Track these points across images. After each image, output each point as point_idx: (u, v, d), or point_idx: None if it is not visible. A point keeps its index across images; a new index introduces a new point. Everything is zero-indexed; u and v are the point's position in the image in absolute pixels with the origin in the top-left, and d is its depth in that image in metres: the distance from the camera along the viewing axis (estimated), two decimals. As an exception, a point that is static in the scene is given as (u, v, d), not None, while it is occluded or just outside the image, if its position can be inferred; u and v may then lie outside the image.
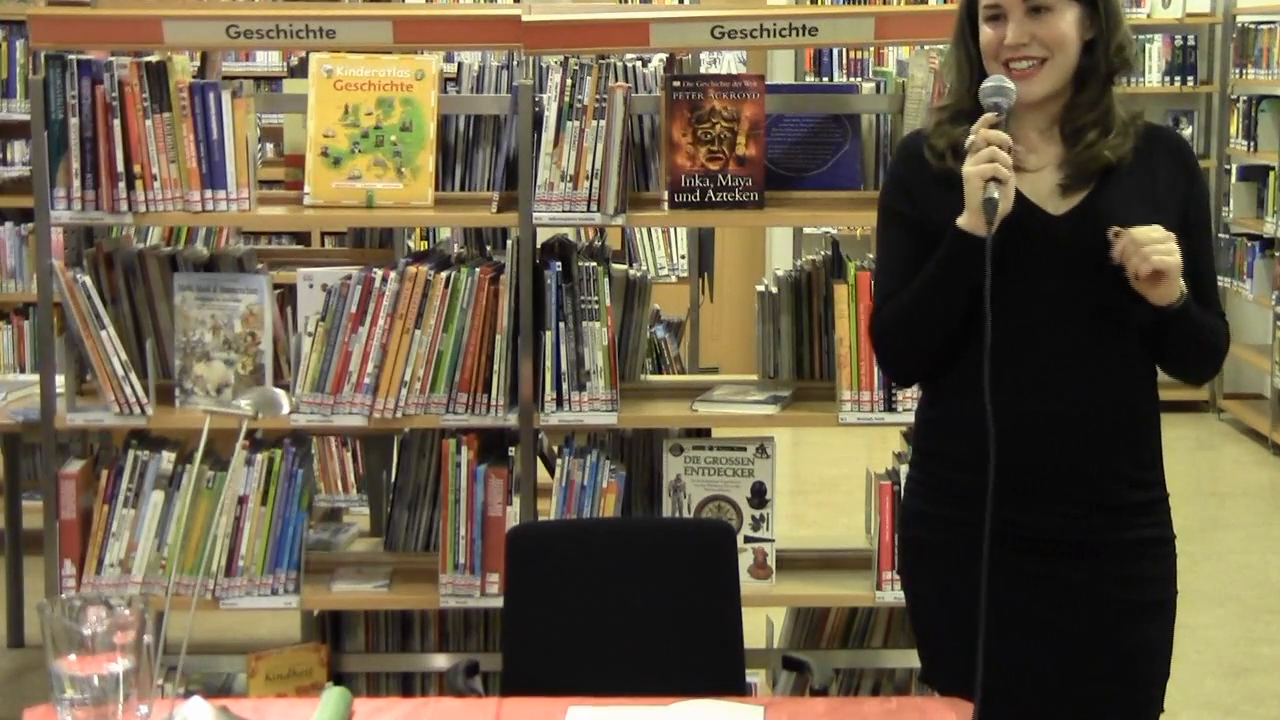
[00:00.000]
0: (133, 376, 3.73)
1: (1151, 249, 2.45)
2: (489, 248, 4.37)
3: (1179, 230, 2.53)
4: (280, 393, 2.99)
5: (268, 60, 8.41)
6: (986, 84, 2.53)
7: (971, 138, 2.50)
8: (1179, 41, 8.97)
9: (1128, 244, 2.47)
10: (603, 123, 3.66)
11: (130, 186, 3.65)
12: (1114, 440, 2.59)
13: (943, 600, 2.67)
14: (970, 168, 2.48)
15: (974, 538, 2.48)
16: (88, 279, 3.70)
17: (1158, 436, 2.66)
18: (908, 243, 2.65)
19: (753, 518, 3.80)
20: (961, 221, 2.51)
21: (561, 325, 3.70)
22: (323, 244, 7.33)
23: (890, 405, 3.72)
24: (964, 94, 2.63)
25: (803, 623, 4.06)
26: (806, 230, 8.79)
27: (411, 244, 5.07)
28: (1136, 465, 2.63)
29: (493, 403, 3.72)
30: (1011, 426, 2.49)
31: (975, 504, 2.48)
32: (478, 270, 3.71)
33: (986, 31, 2.58)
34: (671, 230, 5.83)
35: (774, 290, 3.95)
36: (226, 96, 3.69)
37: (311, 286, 3.78)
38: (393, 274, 3.70)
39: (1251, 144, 8.60)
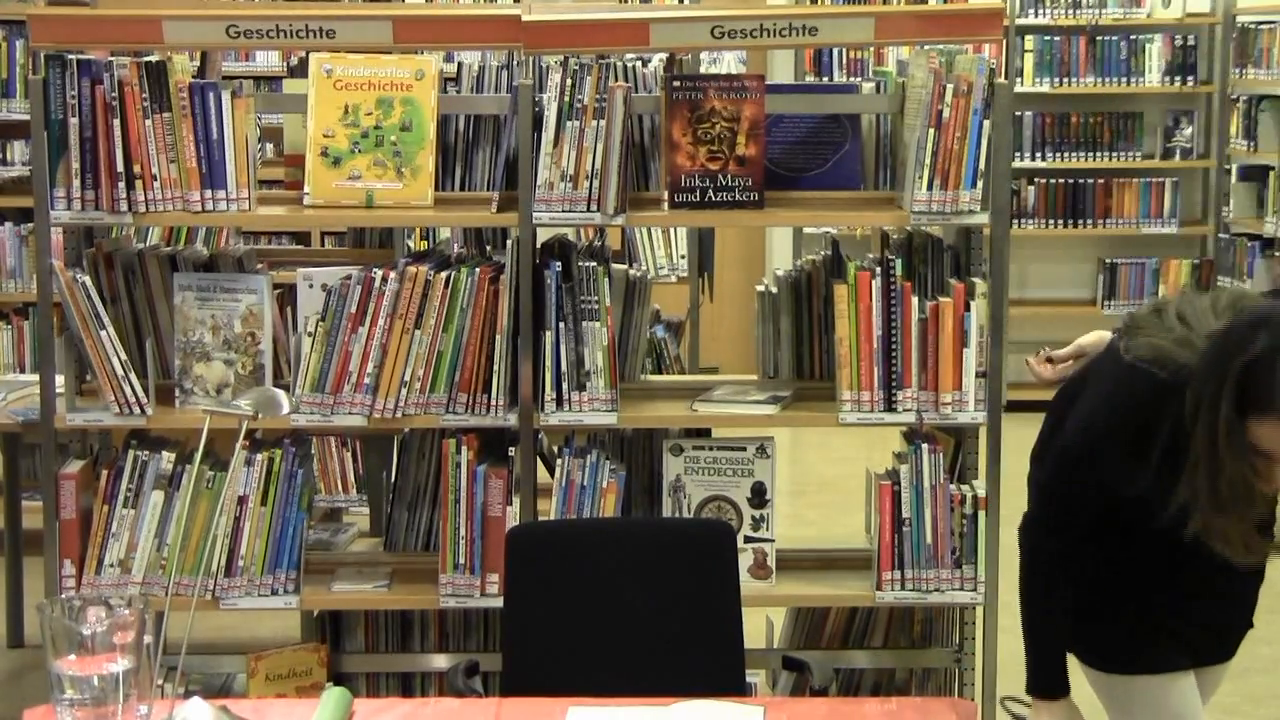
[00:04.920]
0: (133, 376, 3.73)
1: None
2: (489, 248, 4.37)
3: None
4: (280, 393, 2.99)
5: (268, 60, 8.41)
6: None
7: None
8: (1179, 41, 8.96)
9: None
10: (603, 123, 3.66)
11: (130, 186, 3.65)
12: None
13: None
14: None
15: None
16: (88, 279, 3.70)
17: None
18: (1097, 499, 2.75)
19: (753, 518, 3.80)
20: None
21: (561, 325, 3.70)
22: (323, 244, 7.31)
23: (890, 405, 3.72)
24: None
25: (803, 623, 4.06)
26: (806, 230, 8.77)
27: (411, 244, 5.06)
28: None
29: (493, 403, 3.72)
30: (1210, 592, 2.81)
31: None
32: (478, 270, 3.70)
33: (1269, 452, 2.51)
34: (671, 230, 5.82)
35: (774, 290, 3.95)
36: (226, 96, 3.69)
37: (311, 286, 3.78)
38: (393, 274, 3.70)
39: (1251, 144, 8.59)
